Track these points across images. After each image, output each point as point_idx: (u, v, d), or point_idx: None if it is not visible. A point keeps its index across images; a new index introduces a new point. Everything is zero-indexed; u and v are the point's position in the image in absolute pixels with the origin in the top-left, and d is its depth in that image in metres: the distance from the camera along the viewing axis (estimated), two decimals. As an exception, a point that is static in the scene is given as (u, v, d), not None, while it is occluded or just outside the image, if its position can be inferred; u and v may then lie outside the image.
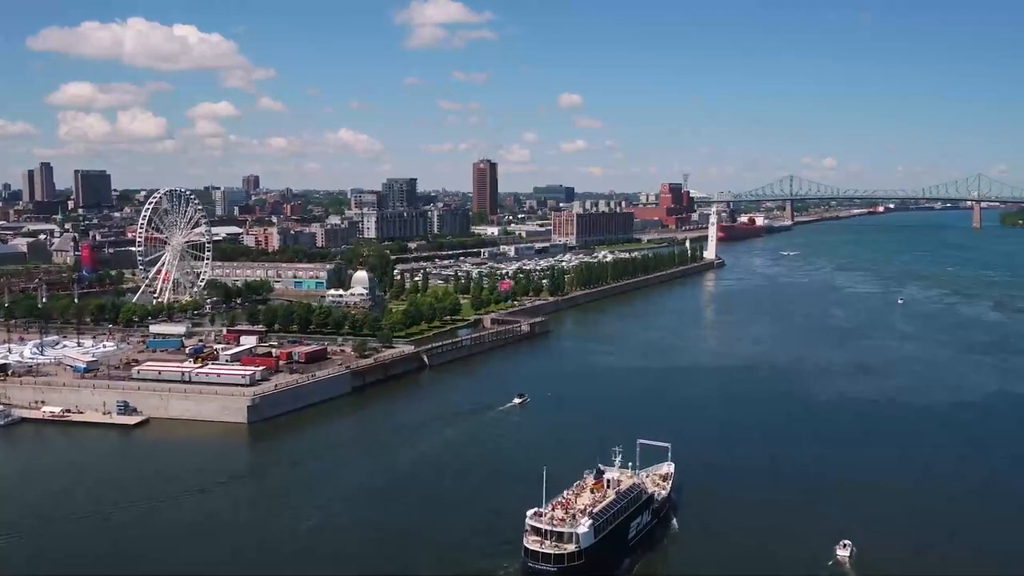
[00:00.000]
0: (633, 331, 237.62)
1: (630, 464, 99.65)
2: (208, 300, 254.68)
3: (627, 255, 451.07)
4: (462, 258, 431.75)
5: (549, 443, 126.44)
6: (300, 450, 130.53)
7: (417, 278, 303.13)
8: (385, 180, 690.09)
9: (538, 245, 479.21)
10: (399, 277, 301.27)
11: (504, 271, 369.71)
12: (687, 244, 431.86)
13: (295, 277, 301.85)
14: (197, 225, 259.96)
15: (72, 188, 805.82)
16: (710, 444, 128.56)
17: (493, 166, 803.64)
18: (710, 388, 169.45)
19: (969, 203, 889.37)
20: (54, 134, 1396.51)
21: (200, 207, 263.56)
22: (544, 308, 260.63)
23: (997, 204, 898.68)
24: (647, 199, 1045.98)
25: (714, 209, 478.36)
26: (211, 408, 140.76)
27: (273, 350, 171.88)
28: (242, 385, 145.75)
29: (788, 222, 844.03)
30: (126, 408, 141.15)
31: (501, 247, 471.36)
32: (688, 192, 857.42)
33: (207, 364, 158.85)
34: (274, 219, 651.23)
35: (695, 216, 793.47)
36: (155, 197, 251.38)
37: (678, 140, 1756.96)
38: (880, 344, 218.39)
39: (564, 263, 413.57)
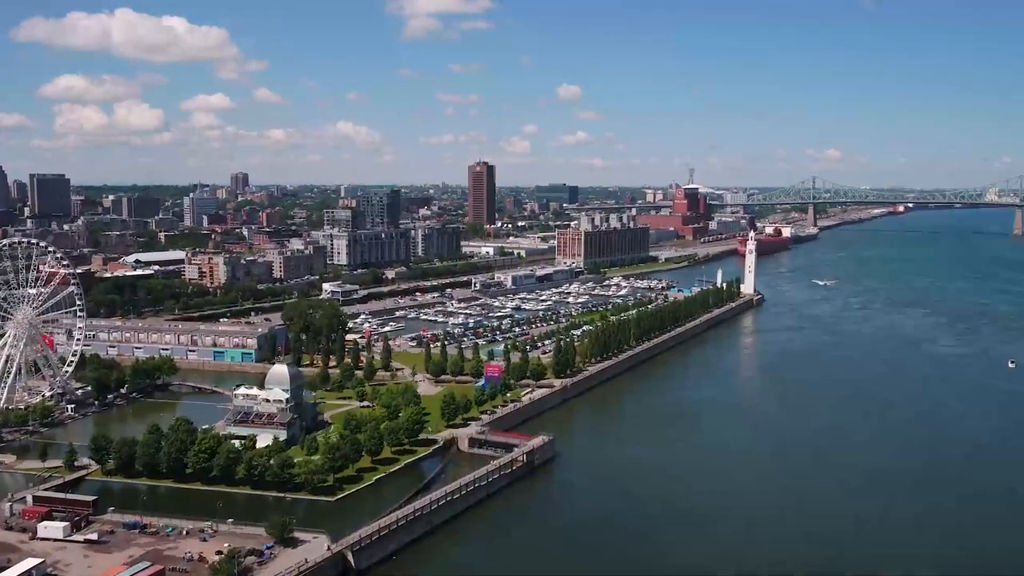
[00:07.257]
0: (681, 456, 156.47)
1: None
2: (72, 396, 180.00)
3: (645, 284, 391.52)
4: (448, 290, 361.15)
5: None
6: None
7: (379, 344, 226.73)
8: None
9: (539, 271, 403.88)
10: (352, 342, 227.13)
11: (498, 307, 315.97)
12: (719, 276, 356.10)
13: (215, 346, 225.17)
14: (61, 287, 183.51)
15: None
16: None
17: (491, 168, 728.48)
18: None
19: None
20: (50, 126, 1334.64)
21: (60, 256, 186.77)
22: (547, 402, 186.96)
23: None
24: (654, 197, 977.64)
25: (752, 235, 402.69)
26: None
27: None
28: None
29: (813, 230, 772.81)
30: None
31: (496, 274, 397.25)
32: (705, 198, 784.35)
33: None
34: (245, 231, 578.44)
35: (713, 224, 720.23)
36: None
37: (679, 131, 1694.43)
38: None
39: (571, 297, 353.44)
